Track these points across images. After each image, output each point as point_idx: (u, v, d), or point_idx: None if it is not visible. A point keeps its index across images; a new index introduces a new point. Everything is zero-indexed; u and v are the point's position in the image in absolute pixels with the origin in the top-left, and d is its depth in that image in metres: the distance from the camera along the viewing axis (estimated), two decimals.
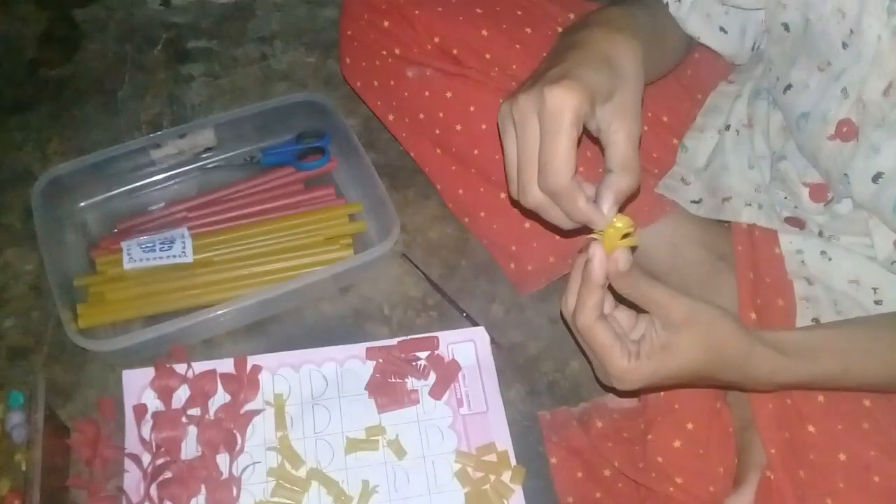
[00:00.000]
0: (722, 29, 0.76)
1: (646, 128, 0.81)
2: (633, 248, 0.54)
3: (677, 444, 0.68)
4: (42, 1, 1.12)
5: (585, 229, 0.56)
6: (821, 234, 0.70)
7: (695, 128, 0.81)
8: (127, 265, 0.84)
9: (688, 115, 0.83)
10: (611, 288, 0.55)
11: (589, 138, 0.60)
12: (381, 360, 0.80)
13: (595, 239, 0.54)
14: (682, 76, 0.84)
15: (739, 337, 0.55)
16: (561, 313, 0.58)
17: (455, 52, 0.82)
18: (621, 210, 0.56)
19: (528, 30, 0.82)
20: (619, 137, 0.55)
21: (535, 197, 0.56)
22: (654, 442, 0.69)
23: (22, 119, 1.01)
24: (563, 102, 0.53)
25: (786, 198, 0.73)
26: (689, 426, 0.68)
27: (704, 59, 0.83)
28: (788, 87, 0.69)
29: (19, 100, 1.02)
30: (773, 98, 0.74)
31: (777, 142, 0.75)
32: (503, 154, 0.58)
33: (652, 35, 0.69)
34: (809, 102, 0.66)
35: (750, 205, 0.73)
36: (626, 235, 0.53)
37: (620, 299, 0.56)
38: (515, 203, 0.59)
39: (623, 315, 0.57)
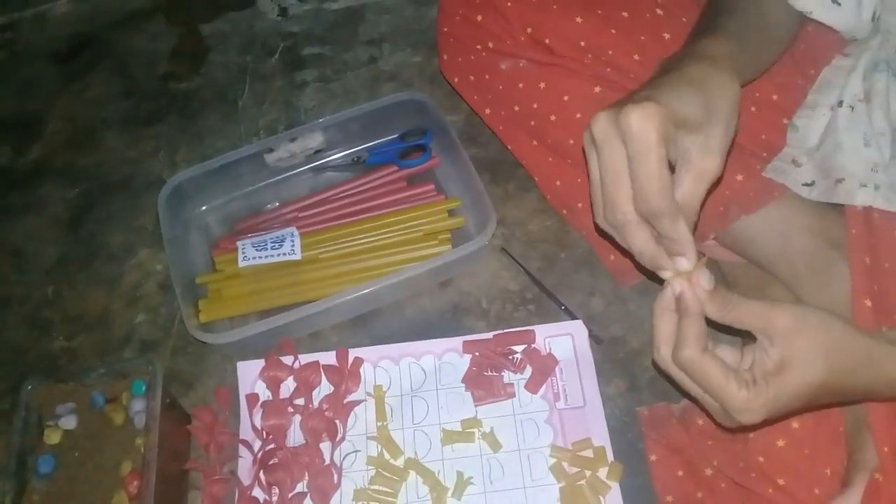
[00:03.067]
0: (835, 1, 0.70)
1: (753, 108, 0.77)
2: None
3: (781, 443, 0.64)
4: (172, 19, 1.22)
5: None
6: None
7: (806, 105, 0.76)
8: (242, 263, 0.89)
9: (801, 92, 0.77)
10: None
11: None
12: (477, 354, 0.81)
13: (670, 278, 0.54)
14: (795, 51, 0.79)
15: (857, 336, 0.52)
16: (654, 364, 0.56)
17: (547, 41, 0.81)
18: None
19: (625, 14, 0.80)
20: (691, 176, 0.53)
21: (624, 213, 0.53)
22: (756, 441, 0.65)
23: (154, 130, 1.09)
24: (645, 121, 0.50)
25: None
26: (795, 425, 0.64)
27: (819, 32, 0.77)
28: None
29: (152, 112, 1.11)
30: (893, 70, 0.68)
31: None
32: (588, 179, 0.56)
33: (755, 35, 0.66)
34: None
35: (865, 186, 0.68)
36: None
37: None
38: (599, 230, 0.58)
39: (726, 352, 0.55)
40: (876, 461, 0.59)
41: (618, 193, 0.53)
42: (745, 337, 0.54)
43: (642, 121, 0.50)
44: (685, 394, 0.55)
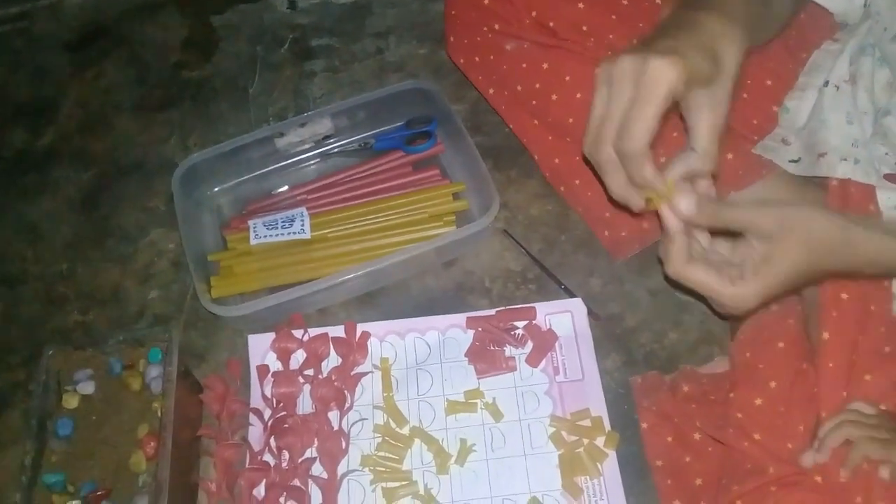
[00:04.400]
0: None
1: (745, 95, 0.81)
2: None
3: (759, 401, 0.68)
4: (184, 10, 1.25)
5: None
6: None
7: (797, 87, 0.80)
8: (253, 241, 0.92)
9: (792, 76, 0.81)
10: None
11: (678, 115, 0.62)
12: (480, 329, 0.84)
13: (651, 200, 0.58)
14: (788, 37, 0.83)
15: (838, 227, 0.57)
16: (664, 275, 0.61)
17: (552, 24, 0.84)
18: None
19: (625, 1, 0.84)
20: (703, 126, 0.58)
21: (606, 153, 0.58)
22: (735, 400, 0.69)
23: (166, 115, 1.12)
24: (663, 74, 0.55)
25: (886, 153, 0.71)
26: (772, 385, 0.68)
27: (811, 19, 0.81)
28: None
29: (164, 99, 1.14)
30: (881, 50, 0.73)
31: (882, 98, 0.74)
32: (591, 109, 0.60)
33: (759, 6, 0.69)
34: None
35: (846, 160, 0.72)
36: None
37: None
38: (584, 158, 0.62)
39: (722, 244, 0.60)
40: None
41: (609, 133, 0.57)
42: None
43: (663, 71, 0.55)
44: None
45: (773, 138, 0.77)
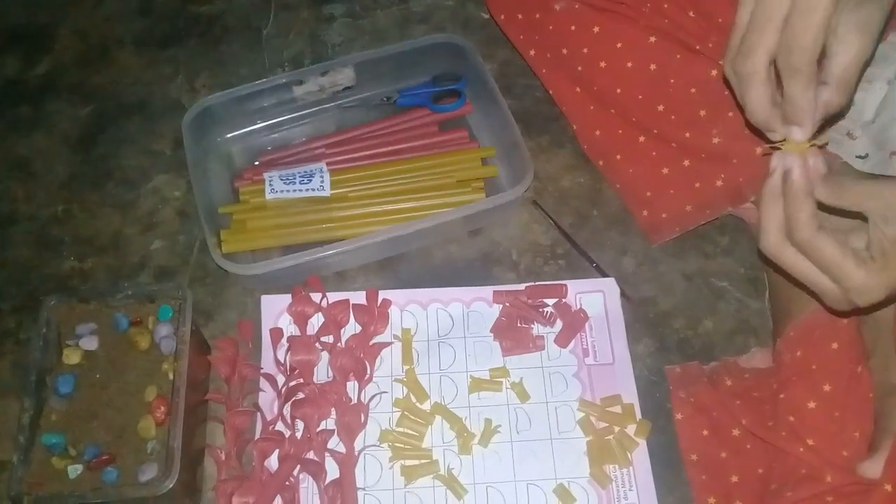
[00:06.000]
0: None
1: None
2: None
3: (812, 405, 0.65)
4: None
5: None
6: None
7: (863, 79, 0.76)
8: (268, 195, 0.86)
9: None
10: None
11: None
12: (507, 304, 0.80)
13: (779, 150, 0.52)
14: None
15: None
16: (759, 253, 0.55)
17: None
18: None
19: None
20: (849, 51, 0.52)
21: (755, 64, 0.52)
22: (786, 401, 0.66)
23: (172, 52, 1.05)
24: None
25: None
26: (826, 388, 0.65)
27: None
28: None
29: (170, 34, 1.07)
30: None
31: None
32: (735, 20, 0.55)
33: None
34: None
35: None
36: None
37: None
38: (724, 78, 0.57)
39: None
40: None
41: (759, 41, 0.52)
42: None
43: None
44: (795, 281, 0.54)
45: (839, 131, 0.73)
